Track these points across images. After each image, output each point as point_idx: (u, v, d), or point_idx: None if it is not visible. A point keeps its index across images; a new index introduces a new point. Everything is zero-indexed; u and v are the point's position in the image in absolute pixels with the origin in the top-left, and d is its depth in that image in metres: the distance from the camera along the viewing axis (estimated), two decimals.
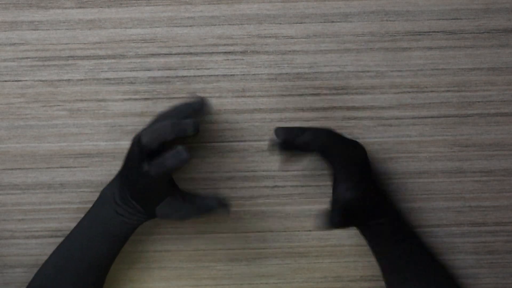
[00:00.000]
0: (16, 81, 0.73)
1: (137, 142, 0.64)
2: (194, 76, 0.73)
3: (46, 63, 0.73)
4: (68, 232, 0.73)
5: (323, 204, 0.75)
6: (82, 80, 0.73)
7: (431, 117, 0.74)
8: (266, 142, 0.74)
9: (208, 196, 0.67)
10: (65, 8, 0.73)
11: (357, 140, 0.72)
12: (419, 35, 0.73)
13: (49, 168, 0.74)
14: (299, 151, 0.66)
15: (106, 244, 0.68)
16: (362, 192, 0.66)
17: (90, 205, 0.74)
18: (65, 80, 0.73)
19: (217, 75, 0.73)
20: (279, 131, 0.65)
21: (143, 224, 0.73)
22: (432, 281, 0.69)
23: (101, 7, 0.72)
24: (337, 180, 0.66)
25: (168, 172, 0.62)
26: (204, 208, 0.67)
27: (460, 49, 0.73)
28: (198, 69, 0.73)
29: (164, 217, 0.67)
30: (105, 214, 0.67)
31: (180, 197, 0.66)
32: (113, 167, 0.74)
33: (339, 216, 0.65)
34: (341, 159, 0.65)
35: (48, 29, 0.73)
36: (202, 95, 0.73)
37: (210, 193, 0.67)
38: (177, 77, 0.73)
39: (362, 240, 0.75)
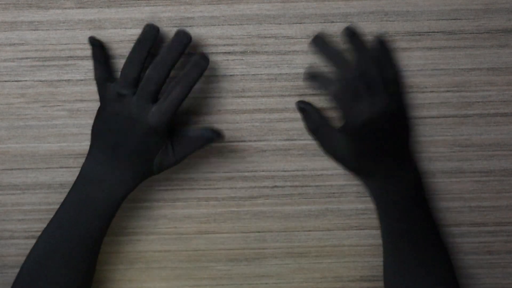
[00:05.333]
0: (16, 81, 0.73)
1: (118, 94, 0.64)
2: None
3: (46, 63, 0.73)
4: None
5: (323, 204, 0.75)
6: (82, 80, 0.73)
7: (431, 117, 0.74)
8: (266, 142, 0.74)
9: (199, 129, 0.67)
10: (65, 8, 0.73)
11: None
12: (419, 35, 0.73)
13: (49, 168, 0.74)
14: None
15: (93, 220, 0.67)
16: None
17: None
18: (65, 80, 0.73)
19: (217, 75, 0.73)
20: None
21: (143, 224, 0.73)
22: (430, 261, 0.68)
23: (101, 7, 0.72)
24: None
25: (192, 84, 0.63)
26: (202, 139, 0.66)
27: (460, 49, 0.73)
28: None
29: (163, 168, 0.66)
30: (89, 190, 0.66)
31: (174, 139, 0.66)
32: None
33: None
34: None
35: (48, 29, 0.73)
36: (202, 95, 0.73)
37: (199, 128, 0.67)
38: (176, 77, 0.73)
39: (362, 240, 0.75)
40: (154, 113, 0.64)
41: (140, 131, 0.65)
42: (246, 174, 0.75)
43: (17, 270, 0.75)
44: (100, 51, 0.69)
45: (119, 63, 0.73)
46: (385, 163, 0.68)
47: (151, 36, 0.66)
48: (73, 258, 0.67)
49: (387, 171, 0.68)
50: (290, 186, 0.75)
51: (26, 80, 0.73)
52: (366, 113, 0.66)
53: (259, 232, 0.75)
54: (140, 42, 0.66)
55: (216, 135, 0.68)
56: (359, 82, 0.66)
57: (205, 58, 0.65)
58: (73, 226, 0.67)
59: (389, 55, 0.71)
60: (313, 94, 0.73)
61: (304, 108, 0.70)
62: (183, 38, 0.65)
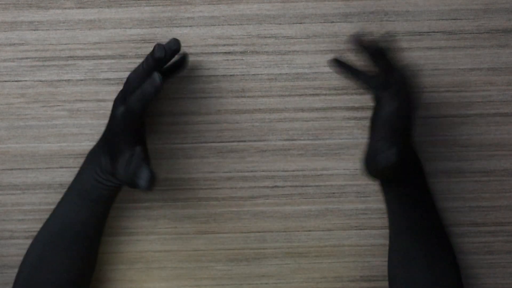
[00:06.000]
0: (16, 81, 0.73)
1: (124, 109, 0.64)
2: (194, 76, 0.73)
3: (46, 63, 0.73)
4: None
5: (323, 204, 0.75)
6: (82, 80, 0.73)
7: (431, 117, 0.74)
8: (266, 142, 0.74)
9: (145, 171, 0.63)
10: (65, 8, 0.73)
11: (365, 137, 0.71)
12: (419, 35, 0.73)
13: (49, 168, 0.74)
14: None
15: (88, 210, 0.67)
16: (403, 151, 0.63)
17: None
18: (65, 80, 0.73)
19: (217, 75, 0.73)
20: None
21: (143, 224, 0.73)
22: (436, 256, 0.69)
23: (101, 7, 0.73)
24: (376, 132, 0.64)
25: (145, 100, 0.62)
26: (134, 182, 0.64)
27: (460, 49, 0.73)
28: (198, 69, 0.73)
29: (119, 177, 0.65)
30: (84, 181, 0.67)
31: (137, 157, 0.65)
32: None
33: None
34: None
35: (48, 29, 0.73)
36: (202, 95, 0.73)
37: (148, 169, 0.63)
38: (176, 77, 0.73)
39: (362, 240, 0.75)
40: (119, 113, 0.64)
41: (113, 128, 0.65)
42: (246, 174, 0.75)
43: (17, 270, 0.75)
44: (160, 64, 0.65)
45: (119, 63, 0.73)
46: (410, 163, 0.68)
47: (158, 56, 0.63)
48: (71, 249, 0.67)
49: (401, 177, 0.68)
50: (290, 186, 0.75)
51: (26, 80, 0.73)
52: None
53: (259, 232, 0.75)
54: (147, 60, 0.64)
55: (147, 185, 0.63)
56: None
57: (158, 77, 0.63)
58: (69, 217, 0.67)
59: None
60: (313, 95, 0.73)
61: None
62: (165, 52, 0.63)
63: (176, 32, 0.73)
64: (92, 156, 0.68)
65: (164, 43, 0.68)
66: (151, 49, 0.73)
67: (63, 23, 0.73)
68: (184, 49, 0.73)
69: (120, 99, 0.65)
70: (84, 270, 0.69)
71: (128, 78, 0.65)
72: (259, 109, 0.74)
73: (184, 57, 0.71)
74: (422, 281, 0.67)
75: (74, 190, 0.68)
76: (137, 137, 0.65)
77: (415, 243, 0.68)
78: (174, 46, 0.64)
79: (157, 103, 0.74)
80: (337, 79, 0.73)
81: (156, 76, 0.62)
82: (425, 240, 0.68)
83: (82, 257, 0.68)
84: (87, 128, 0.74)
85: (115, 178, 0.67)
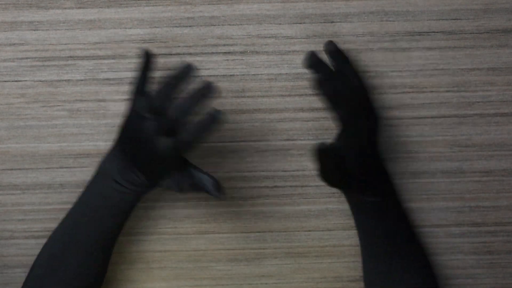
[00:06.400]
0: (16, 81, 0.73)
1: (144, 116, 0.64)
2: (194, 76, 0.73)
3: (46, 63, 0.73)
4: None
5: (323, 204, 0.75)
6: (82, 80, 0.73)
7: (431, 117, 0.74)
8: (266, 142, 0.74)
9: (208, 178, 0.66)
10: (65, 8, 0.73)
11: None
12: (419, 35, 0.73)
13: (49, 168, 0.74)
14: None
15: (110, 218, 0.67)
16: (366, 156, 0.67)
17: None
18: (65, 80, 0.73)
19: (217, 75, 0.73)
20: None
21: (143, 224, 0.73)
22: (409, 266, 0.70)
23: (101, 7, 0.72)
24: (343, 135, 0.67)
25: (204, 132, 0.62)
26: (200, 188, 0.66)
27: (460, 49, 0.73)
28: (198, 69, 0.73)
29: (166, 187, 0.67)
30: (105, 190, 0.67)
31: (185, 171, 0.66)
32: None
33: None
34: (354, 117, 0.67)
35: (48, 29, 0.73)
36: None
37: (212, 175, 0.66)
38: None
39: None
40: (170, 147, 0.63)
41: (154, 156, 0.64)
42: (246, 174, 0.75)
43: (17, 270, 0.75)
44: (149, 65, 0.67)
45: (119, 63, 0.73)
46: (376, 174, 0.69)
47: (185, 75, 0.65)
48: (88, 254, 0.67)
49: (378, 182, 0.69)
50: (290, 186, 0.75)
51: (26, 80, 0.73)
52: (364, 127, 0.67)
53: (259, 232, 0.75)
54: (176, 77, 0.65)
55: (217, 193, 0.66)
56: (354, 99, 0.68)
57: (219, 113, 0.64)
58: (88, 222, 0.67)
59: (349, 64, 0.71)
60: (313, 95, 0.73)
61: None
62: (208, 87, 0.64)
63: (176, 32, 0.73)
64: (121, 171, 0.66)
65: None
66: (151, 49, 0.73)
67: (63, 23, 0.73)
68: (184, 49, 0.73)
69: (157, 127, 0.63)
70: (97, 276, 0.69)
71: (156, 100, 0.64)
72: (259, 109, 0.74)
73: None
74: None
75: (94, 194, 0.68)
76: (184, 158, 0.67)
77: (389, 252, 0.69)
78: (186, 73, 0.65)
79: None
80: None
81: (219, 113, 0.62)
82: (397, 247, 0.69)
83: (96, 263, 0.68)
84: (87, 128, 0.74)
85: (150, 188, 0.67)
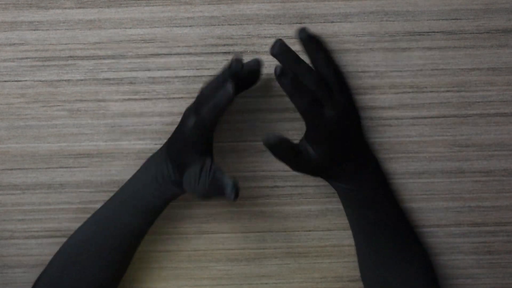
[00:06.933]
0: (16, 81, 0.73)
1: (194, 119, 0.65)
2: (194, 76, 0.73)
3: (46, 63, 0.73)
4: (67, 232, 0.73)
5: (323, 204, 0.75)
6: (82, 80, 0.73)
7: (431, 117, 0.74)
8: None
9: (229, 180, 0.65)
10: (65, 8, 0.73)
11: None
12: (419, 35, 0.73)
13: (49, 168, 0.74)
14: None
15: (136, 219, 0.68)
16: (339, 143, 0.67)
17: (90, 205, 0.74)
18: (65, 80, 0.73)
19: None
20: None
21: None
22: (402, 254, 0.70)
23: (101, 7, 0.72)
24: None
25: (217, 110, 0.62)
26: (219, 187, 0.65)
27: (460, 49, 0.73)
28: (198, 69, 0.73)
29: (188, 187, 0.67)
30: (140, 187, 0.68)
31: (207, 168, 0.66)
32: (113, 167, 0.74)
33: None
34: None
35: (48, 29, 0.73)
36: None
37: (231, 179, 0.65)
38: (176, 77, 0.73)
39: None
40: (191, 125, 0.65)
41: (180, 137, 0.66)
42: (246, 174, 0.75)
43: (17, 270, 0.75)
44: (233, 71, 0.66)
45: (119, 63, 0.73)
46: (348, 162, 0.68)
47: (235, 71, 0.65)
48: (107, 251, 0.68)
49: (351, 170, 0.69)
50: (290, 186, 0.75)
51: (26, 80, 0.73)
52: (330, 117, 0.66)
53: (259, 232, 0.75)
54: (224, 73, 0.65)
55: (234, 196, 0.65)
56: (319, 88, 0.67)
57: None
58: (116, 220, 0.68)
59: (323, 50, 0.70)
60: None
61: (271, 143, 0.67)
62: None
63: (176, 32, 0.73)
64: (154, 163, 0.68)
65: (243, 58, 0.67)
66: (150, 49, 0.73)
67: (63, 23, 0.73)
68: (184, 49, 0.73)
69: (192, 110, 0.65)
70: (115, 277, 0.69)
71: (202, 90, 0.65)
72: (259, 109, 0.74)
73: (259, 69, 0.69)
74: (394, 281, 0.68)
75: (127, 195, 0.68)
76: (207, 148, 0.66)
77: (383, 244, 0.69)
78: (254, 66, 0.67)
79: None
80: None
81: (229, 86, 0.62)
82: (392, 238, 0.69)
83: (117, 264, 0.69)
84: (87, 128, 0.74)
85: (176, 187, 0.67)
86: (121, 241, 0.68)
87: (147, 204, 0.68)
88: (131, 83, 0.73)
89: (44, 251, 0.75)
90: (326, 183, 0.74)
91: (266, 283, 0.76)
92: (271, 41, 0.73)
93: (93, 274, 0.67)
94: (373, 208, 0.69)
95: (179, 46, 0.73)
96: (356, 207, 0.69)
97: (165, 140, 0.72)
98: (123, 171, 0.74)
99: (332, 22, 0.73)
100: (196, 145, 0.65)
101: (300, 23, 0.72)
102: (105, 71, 0.73)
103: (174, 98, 0.73)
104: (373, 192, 0.70)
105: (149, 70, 0.73)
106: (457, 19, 0.72)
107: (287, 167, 0.74)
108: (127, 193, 0.68)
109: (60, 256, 0.69)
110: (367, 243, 0.70)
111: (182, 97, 0.73)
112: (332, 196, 0.75)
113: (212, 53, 0.73)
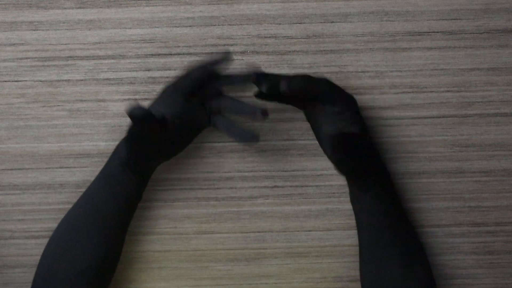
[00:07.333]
0: (16, 81, 0.73)
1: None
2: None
3: (46, 63, 0.73)
4: None
5: (323, 204, 0.75)
6: (82, 80, 0.73)
7: (431, 117, 0.74)
8: (266, 142, 0.74)
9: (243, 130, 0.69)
10: (65, 8, 0.73)
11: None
12: (419, 35, 0.73)
13: (49, 168, 0.74)
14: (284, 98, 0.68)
15: (113, 198, 0.68)
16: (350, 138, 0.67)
17: None
18: (65, 80, 0.73)
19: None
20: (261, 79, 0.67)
21: (143, 224, 0.73)
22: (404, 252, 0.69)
23: (101, 8, 0.72)
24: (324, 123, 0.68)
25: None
26: (236, 135, 0.69)
27: (460, 49, 0.73)
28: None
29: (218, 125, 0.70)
30: (113, 172, 0.68)
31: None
32: None
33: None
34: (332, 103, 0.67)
35: (48, 29, 0.73)
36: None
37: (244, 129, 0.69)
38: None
39: None
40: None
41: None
42: (246, 174, 0.75)
43: (17, 270, 0.75)
44: (217, 63, 0.69)
45: (119, 63, 0.73)
46: (358, 169, 0.68)
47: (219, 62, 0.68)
48: (96, 233, 0.67)
49: (361, 177, 0.68)
50: (290, 186, 0.75)
51: (26, 80, 0.73)
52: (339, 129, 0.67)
53: (259, 232, 0.75)
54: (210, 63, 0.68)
55: (253, 140, 0.68)
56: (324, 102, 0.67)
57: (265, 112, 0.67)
58: (94, 209, 0.67)
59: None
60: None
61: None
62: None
63: (176, 32, 0.73)
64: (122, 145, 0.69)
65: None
66: (150, 49, 0.73)
67: (63, 23, 0.73)
68: (184, 49, 0.73)
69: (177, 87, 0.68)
70: (107, 258, 0.68)
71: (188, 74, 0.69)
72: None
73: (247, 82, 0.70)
74: (395, 281, 0.68)
75: (103, 175, 0.68)
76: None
77: (387, 248, 0.68)
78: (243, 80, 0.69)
79: None
80: (337, 79, 0.73)
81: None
82: (396, 244, 0.69)
83: (106, 245, 0.68)
84: (87, 128, 0.74)
85: (146, 164, 0.68)
86: (108, 223, 0.68)
87: (125, 191, 0.68)
88: (131, 83, 0.73)
89: None
90: (326, 183, 0.74)
91: (266, 283, 0.76)
92: (271, 41, 0.73)
93: (86, 257, 0.67)
94: (380, 215, 0.69)
95: (179, 46, 0.73)
96: (364, 213, 0.69)
97: None
98: None
99: (332, 22, 0.73)
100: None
101: (300, 23, 0.73)
102: (105, 71, 0.73)
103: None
104: (387, 193, 0.69)
105: (149, 70, 0.73)
106: (457, 19, 0.72)
107: (287, 167, 0.74)
108: (104, 174, 0.68)
109: (49, 246, 0.69)
110: (370, 248, 0.69)
111: None
112: (332, 196, 0.75)
113: (212, 53, 0.73)
